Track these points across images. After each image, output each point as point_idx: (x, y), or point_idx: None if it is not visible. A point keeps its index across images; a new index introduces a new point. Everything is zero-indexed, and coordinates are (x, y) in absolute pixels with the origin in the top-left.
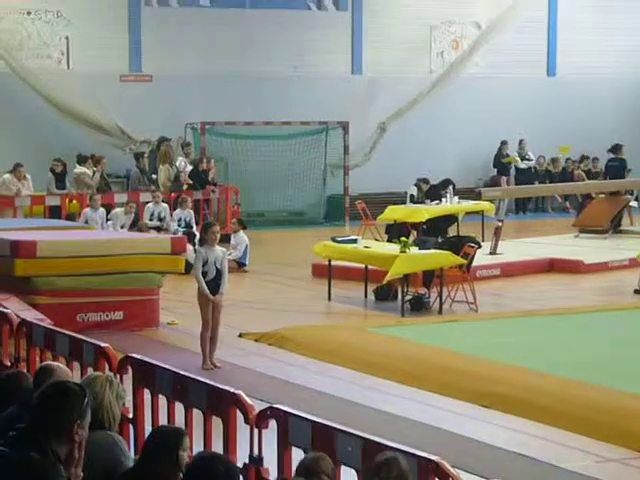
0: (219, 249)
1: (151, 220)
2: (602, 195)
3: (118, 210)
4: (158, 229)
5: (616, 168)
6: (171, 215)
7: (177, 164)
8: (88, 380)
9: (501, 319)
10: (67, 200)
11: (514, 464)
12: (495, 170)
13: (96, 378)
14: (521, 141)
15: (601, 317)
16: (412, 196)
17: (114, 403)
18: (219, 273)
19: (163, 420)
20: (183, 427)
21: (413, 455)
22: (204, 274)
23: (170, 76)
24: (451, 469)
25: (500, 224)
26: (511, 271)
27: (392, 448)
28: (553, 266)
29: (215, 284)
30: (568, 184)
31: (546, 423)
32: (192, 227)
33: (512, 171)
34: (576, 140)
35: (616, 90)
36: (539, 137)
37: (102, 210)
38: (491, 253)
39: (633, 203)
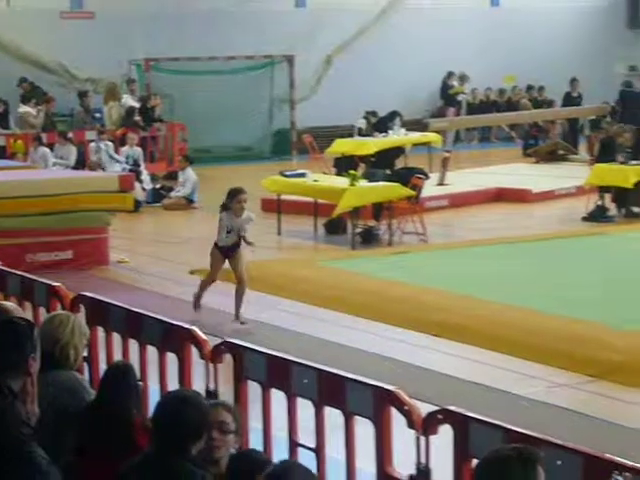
0: (246, 215)
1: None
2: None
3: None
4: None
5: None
6: (117, 153)
7: (123, 101)
8: (48, 319)
9: (451, 249)
10: (12, 140)
11: (466, 391)
12: (442, 101)
13: (55, 317)
14: (463, 76)
15: (550, 245)
16: (360, 129)
17: (76, 340)
18: (239, 240)
19: (118, 358)
20: (137, 364)
21: (370, 385)
22: (222, 240)
23: (112, 12)
24: (407, 398)
25: (447, 155)
26: (459, 201)
27: (347, 379)
28: (501, 195)
29: (233, 247)
30: (514, 113)
31: (497, 350)
32: (139, 165)
33: (464, 103)
34: (522, 70)
35: (561, 19)
36: (484, 68)
37: (43, 149)
38: (439, 184)
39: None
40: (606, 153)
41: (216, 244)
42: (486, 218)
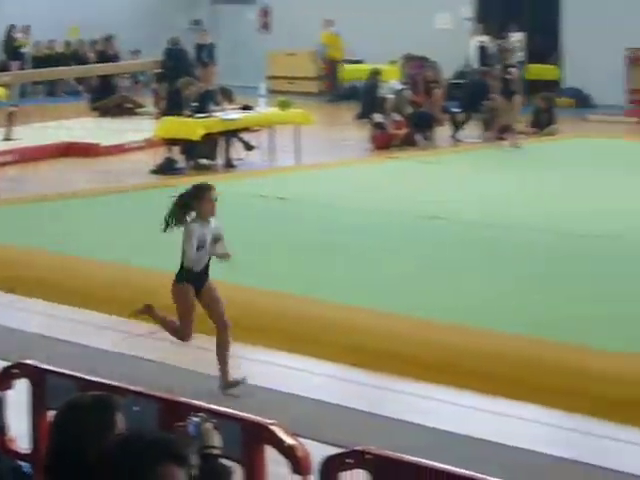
0: (214, 223)
1: None
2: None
3: None
4: None
5: None
6: None
7: None
8: None
9: (19, 205)
10: None
11: (43, 345)
12: (5, 55)
13: None
14: (27, 29)
15: (122, 198)
16: None
17: None
18: (209, 261)
19: None
20: None
21: None
22: (195, 262)
23: None
24: None
25: (14, 109)
26: (28, 156)
27: None
28: (70, 150)
29: (205, 274)
30: (79, 67)
31: (69, 304)
32: None
33: (28, 56)
34: (88, 22)
35: None
36: (50, 20)
37: None
38: (6, 139)
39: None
40: (173, 106)
41: (182, 275)
42: (55, 173)
